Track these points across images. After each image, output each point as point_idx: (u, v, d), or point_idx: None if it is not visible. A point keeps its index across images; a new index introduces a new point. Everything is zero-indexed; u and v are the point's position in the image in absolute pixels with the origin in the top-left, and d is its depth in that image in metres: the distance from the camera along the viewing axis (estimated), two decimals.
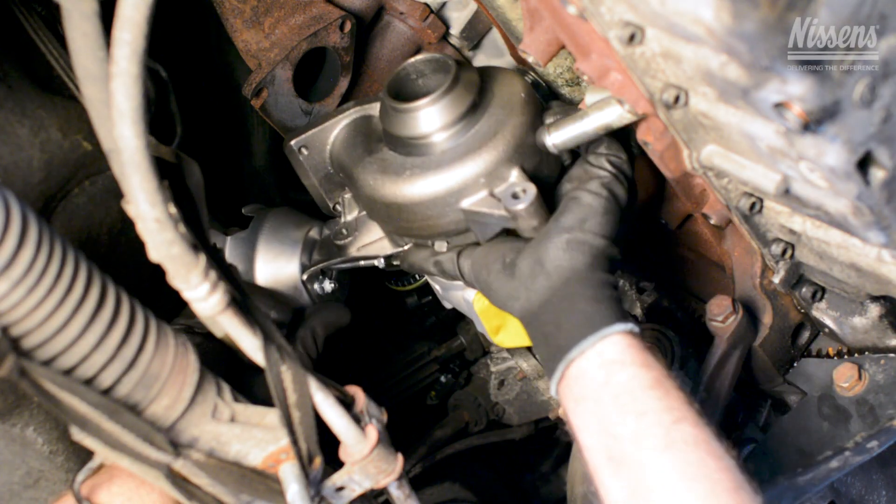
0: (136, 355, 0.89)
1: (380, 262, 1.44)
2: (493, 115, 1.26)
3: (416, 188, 1.26)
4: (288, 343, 1.40)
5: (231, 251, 1.59)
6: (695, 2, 0.82)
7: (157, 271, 0.88)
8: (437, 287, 1.49)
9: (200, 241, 0.89)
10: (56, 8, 1.31)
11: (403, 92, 1.33)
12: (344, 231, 1.51)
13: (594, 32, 1.04)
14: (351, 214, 1.51)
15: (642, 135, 1.16)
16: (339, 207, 1.52)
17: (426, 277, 1.93)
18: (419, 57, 1.34)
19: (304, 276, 1.55)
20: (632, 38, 0.97)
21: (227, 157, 1.99)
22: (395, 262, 1.43)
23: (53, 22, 1.35)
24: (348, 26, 1.61)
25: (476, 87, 1.27)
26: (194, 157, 1.06)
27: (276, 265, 1.56)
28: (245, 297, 0.96)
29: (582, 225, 1.16)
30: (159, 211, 0.83)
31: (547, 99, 1.45)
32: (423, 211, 1.27)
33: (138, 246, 0.86)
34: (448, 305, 1.54)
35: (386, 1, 1.66)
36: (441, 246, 1.33)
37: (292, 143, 1.44)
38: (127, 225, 1.46)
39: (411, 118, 1.27)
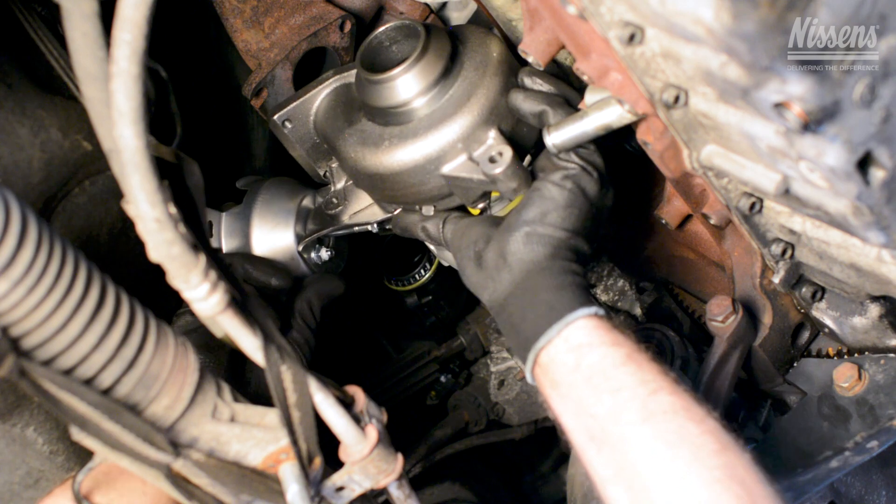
0: (136, 355, 0.89)
1: (373, 228, 1.45)
2: (467, 78, 1.27)
3: (396, 158, 1.27)
4: (287, 314, 1.42)
5: (227, 227, 1.59)
6: (695, 2, 0.82)
7: (157, 271, 0.88)
8: (433, 247, 1.50)
9: (200, 241, 0.89)
10: (56, 8, 1.31)
11: (378, 61, 1.33)
12: (334, 200, 1.52)
13: (594, 32, 1.04)
14: (340, 183, 1.52)
15: (642, 135, 1.16)
16: (328, 176, 1.53)
17: (426, 274, 1.94)
18: (390, 24, 1.35)
19: (300, 247, 1.55)
20: (632, 38, 0.97)
21: (227, 157, 1.99)
22: (387, 227, 1.44)
23: (53, 22, 1.35)
24: (348, 26, 1.62)
25: (447, 52, 1.27)
26: (194, 157, 1.06)
27: (271, 237, 1.57)
28: (245, 297, 0.97)
29: (543, 218, 1.17)
30: (159, 211, 0.83)
31: None
32: (405, 180, 1.28)
33: (138, 246, 0.86)
34: (445, 263, 1.55)
35: (386, 1, 1.65)
36: (428, 210, 1.34)
37: (275, 117, 1.46)
38: (127, 225, 1.46)
39: (385, 88, 1.27)
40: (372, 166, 1.30)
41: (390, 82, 1.27)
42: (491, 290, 1.19)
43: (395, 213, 1.40)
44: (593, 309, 1.11)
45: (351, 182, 1.50)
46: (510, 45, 1.37)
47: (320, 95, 1.44)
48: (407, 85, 1.26)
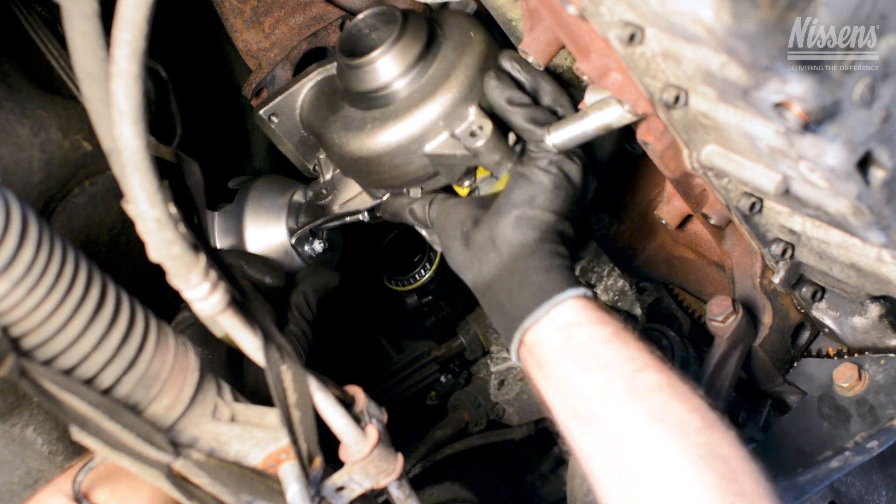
0: (136, 355, 0.89)
1: (364, 217, 1.46)
2: (445, 57, 1.29)
3: (379, 140, 1.28)
4: (283, 310, 1.43)
5: (220, 226, 1.60)
6: (695, 2, 0.82)
7: (157, 271, 0.88)
8: (423, 232, 1.51)
9: (200, 241, 0.89)
10: (56, 8, 1.31)
11: (358, 48, 1.35)
12: (324, 191, 1.53)
13: (594, 32, 1.04)
14: (328, 173, 1.53)
15: (642, 135, 1.16)
16: (317, 168, 1.54)
17: (426, 274, 1.94)
18: (367, 12, 1.36)
19: (293, 240, 1.56)
20: (632, 38, 0.97)
21: (227, 157, 1.99)
22: (378, 214, 1.45)
23: (53, 22, 1.35)
24: None
25: (425, 34, 1.29)
26: (194, 157, 1.06)
27: (264, 233, 1.57)
28: (245, 296, 0.97)
29: (532, 201, 1.19)
30: (159, 211, 0.83)
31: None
32: (390, 161, 1.29)
33: (138, 246, 0.86)
34: (439, 248, 1.56)
35: (385, 1, 1.65)
36: (416, 192, 1.35)
37: (261, 112, 1.47)
38: (127, 225, 1.46)
39: (364, 72, 1.29)
40: (356, 150, 1.31)
41: (370, 66, 1.29)
42: (476, 270, 1.21)
43: (384, 198, 1.40)
44: (581, 290, 1.13)
45: (339, 171, 1.50)
46: (511, 45, 1.38)
47: (305, 88, 1.45)
48: (386, 67, 1.28)
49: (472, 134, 1.23)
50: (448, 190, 1.36)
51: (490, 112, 1.25)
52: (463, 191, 1.36)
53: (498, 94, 1.24)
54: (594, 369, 1.06)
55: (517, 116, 1.22)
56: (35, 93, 1.36)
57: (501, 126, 1.25)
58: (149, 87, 1.49)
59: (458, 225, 1.25)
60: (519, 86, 1.27)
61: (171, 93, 1.55)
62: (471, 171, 1.31)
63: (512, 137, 1.28)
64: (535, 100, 1.26)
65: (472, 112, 1.25)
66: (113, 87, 0.77)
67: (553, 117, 1.25)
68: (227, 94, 1.89)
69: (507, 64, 1.29)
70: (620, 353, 1.06)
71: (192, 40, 1.86)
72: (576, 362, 1.07)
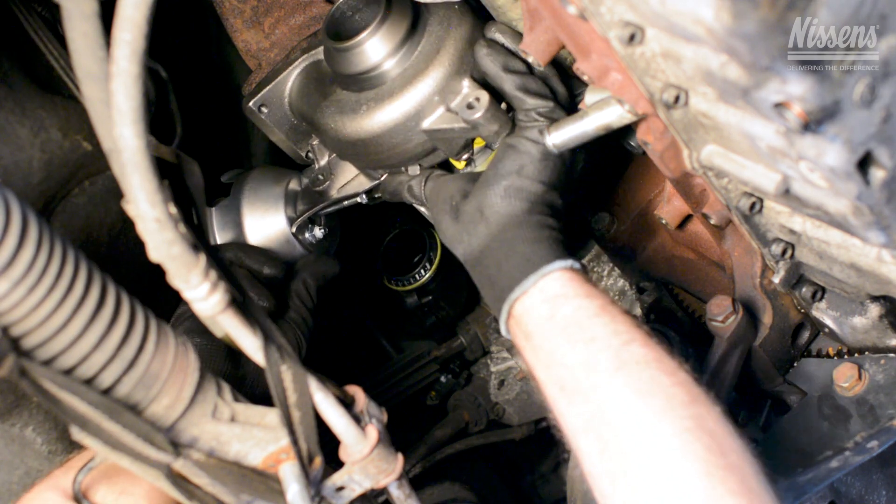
0: (136, 355, 0.89)
1: (362, 199, 1.47)
2: (433, 32, 1.29)
3: (376, 121, 1.29)
4: (284, 298, 1.43)
5: (218, 220, 1.60)
6: (695, 2, 0.82)
7: (157, 271, 0.88)
8: (423, 209, 1.52)
9: (200, 241, 0.89)
10: (56, 8, 1.31)
11: (344, 30, 1.35)
12: (320, 177, 1.53)
13: (594, 32, 1.04)
14: (323, 159, 1.54)
15: (642, 135, 1.16)
16: (311, 155, 1.54)
17: (426, 274, 1.94)
18: None
19: (293, 229, 1.56)
20: (632, 38, 0.97)
21: (227, 157, 1.99)
22: (376, 195, 1.45)
23: (53, 22, 1.35)
24: None
25: (410, 11, 1.30)
26: (194, 157, 1.06)
27: (264, 223, 1.57)
28: (245, 296, 0.97)
29: (520, 171, 1.19)
30: (159, 211, 0.83)
31: None
32: (388, 141, 1.30)
33: (138, 246, 0.86)
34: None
35: None
36: (414, 170, 1.35)
37: (250, 104, 1.47)
38: (127, 225, 1.46)
39: (354, 55, 1.30)
40: (353, 133, 1.31)
41: (359, 48, 1.29)
42: (466, 243, 1.21)
43: (382, 178, 1.41)
44: (569, 262, 1.13)
45: (334, 156, 1.51)
46: None
47: (292, 76, 1.46)
48: (375, 48, 1.29)
49: (470, 106, 1.23)
50: (445, 165, 1.37)
51: (483, 82, 1.26)
52: (460, 164, 1.37)
53: (491, 61, 1.23)
54: (581, 342, 1.05)
55: (509, 83, 1.22)
56: (35, 93, 1.36)
57: (495, 96, 1.25)
58: (149, 87, 1.49)
59: (448, 199, 1.25)
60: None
61: (171, 93, 1.55)
62: (469, 144, 1.31)
63: (505, 106, 1.28)
64: (529, 68, 1.26)
65: (466, 84, 1.25)
66: (113, 87, 0.77)
67: (545, 87, 1.25)
68: (227, 94, 1.90)
69: (495, 35, 1.29)
70: (607, 326, 1.06)
71: (192, 40, 1.86)
72: (563, 334, 1.07)
